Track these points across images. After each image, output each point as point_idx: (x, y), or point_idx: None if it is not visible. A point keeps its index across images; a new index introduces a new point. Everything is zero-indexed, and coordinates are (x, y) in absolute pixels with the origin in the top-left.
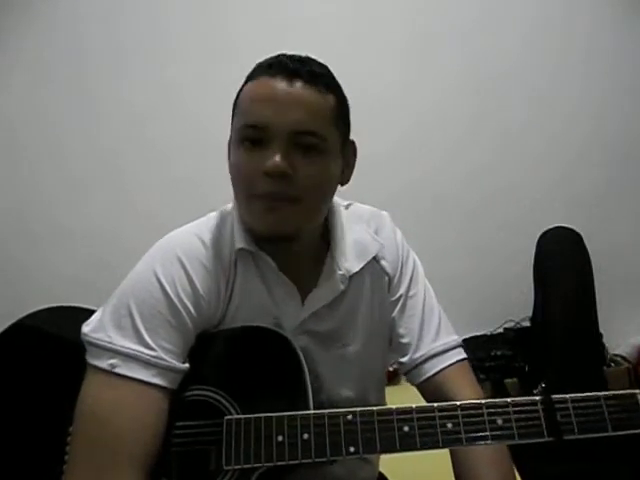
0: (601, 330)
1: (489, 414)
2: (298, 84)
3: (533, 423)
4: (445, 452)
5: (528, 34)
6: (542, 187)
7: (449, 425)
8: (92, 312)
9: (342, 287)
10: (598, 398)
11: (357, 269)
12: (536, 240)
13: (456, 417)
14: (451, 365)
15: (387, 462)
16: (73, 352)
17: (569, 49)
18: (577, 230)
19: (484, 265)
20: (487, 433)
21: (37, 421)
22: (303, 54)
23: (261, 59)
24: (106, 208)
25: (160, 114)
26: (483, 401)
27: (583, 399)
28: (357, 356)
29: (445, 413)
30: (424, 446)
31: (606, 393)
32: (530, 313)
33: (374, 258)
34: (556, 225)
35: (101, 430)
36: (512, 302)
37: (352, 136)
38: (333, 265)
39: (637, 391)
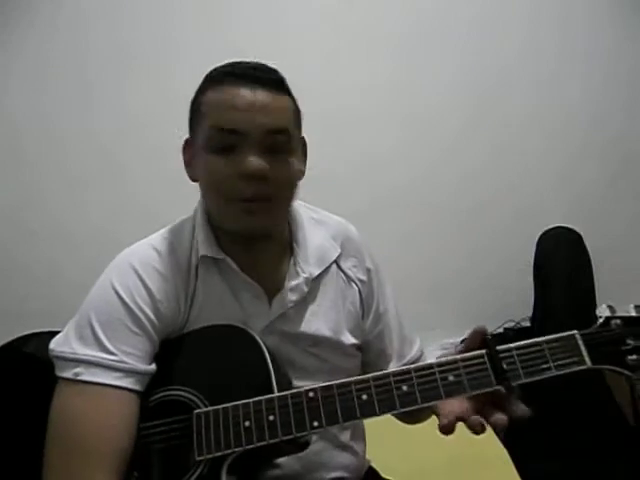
0: None
1: (440, 372)
2: (262, 90)
3: (482, 374)
4: (440, 449)
5: (526, 33)
6: (542, 187)
7: (404, 388)
8: None
9: (306, 289)
10: (540, 343)
11: (317, 273)
12: (536, 240)
13: (410, 379)
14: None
15: (381, 459)
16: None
17: (567, 49)
18: (577, 230)
19: (484, 265)
20: (440, 391)
21: (24, 433)
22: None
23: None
24: (107, 207)
25: (162, 114)
26: (434, 361)
27: (526, 346)
28: (327, 354)
29: (400, 377)
30: (383, 410)
31: (547, 337)
32: (530, 313)
33: (335, 264)
34: (556, 225)
35: (70, 434)
36: (512, 302)
37: (351, 137)
38: (297, 268)
39: (576, 332)
